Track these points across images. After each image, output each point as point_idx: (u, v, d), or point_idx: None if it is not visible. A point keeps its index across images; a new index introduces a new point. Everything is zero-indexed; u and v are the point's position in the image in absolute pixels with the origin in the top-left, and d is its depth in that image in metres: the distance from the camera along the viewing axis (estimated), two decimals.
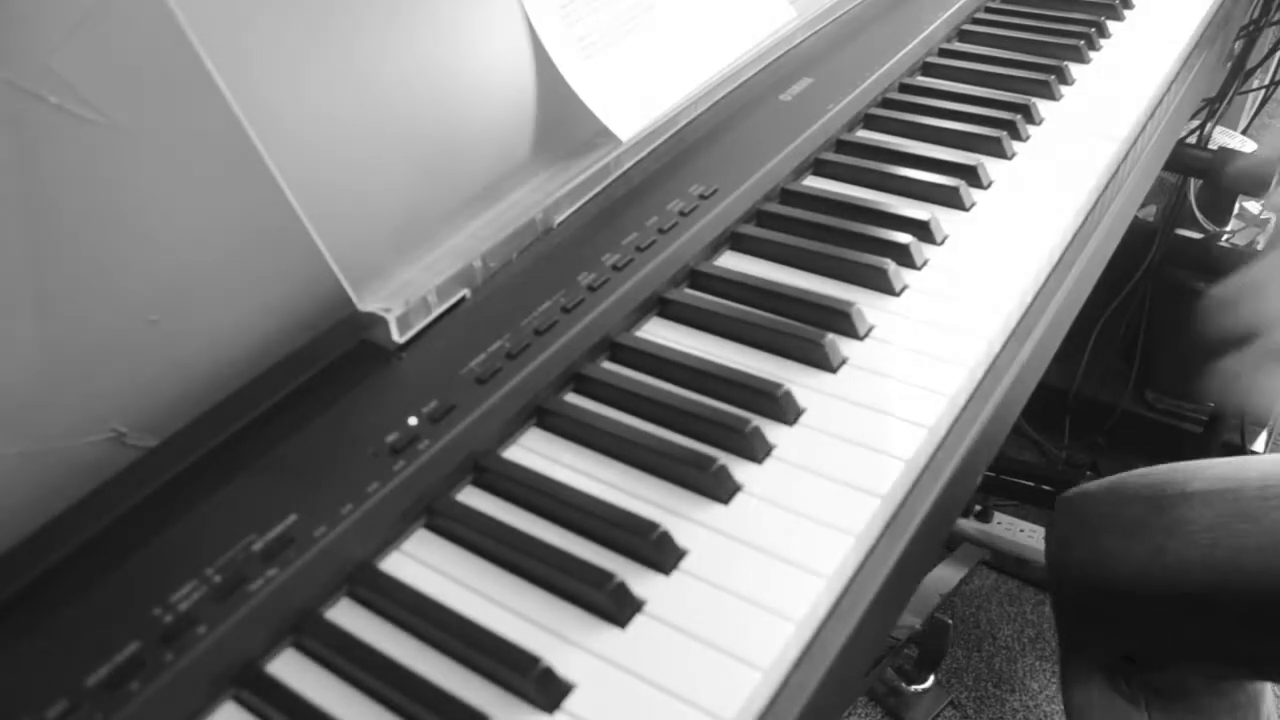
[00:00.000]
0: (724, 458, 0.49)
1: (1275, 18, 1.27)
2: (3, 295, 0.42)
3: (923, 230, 0.65)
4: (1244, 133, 1.63)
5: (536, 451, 0.51)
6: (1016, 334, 0.60)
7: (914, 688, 1.33)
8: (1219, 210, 1.46)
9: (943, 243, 0.65)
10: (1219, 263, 1.44)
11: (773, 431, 0.51)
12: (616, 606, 0.43)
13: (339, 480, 0.46)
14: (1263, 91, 1.54)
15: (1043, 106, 0.79)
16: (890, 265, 0.61)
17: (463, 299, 0.58)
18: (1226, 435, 1.48)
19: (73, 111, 0.42)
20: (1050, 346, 0.67)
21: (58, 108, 0.42)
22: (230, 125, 0.47)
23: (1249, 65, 1.32)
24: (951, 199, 0.68)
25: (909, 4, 0.92)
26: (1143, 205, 1.34)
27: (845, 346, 0.56)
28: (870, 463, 0.49)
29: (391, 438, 0.48)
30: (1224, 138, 1.47)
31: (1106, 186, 0.70)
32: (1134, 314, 1.49)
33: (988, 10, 0.95)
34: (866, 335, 0.58)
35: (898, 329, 0.58)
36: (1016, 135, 0.75)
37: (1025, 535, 1.45)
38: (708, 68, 0.76)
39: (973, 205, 0.68)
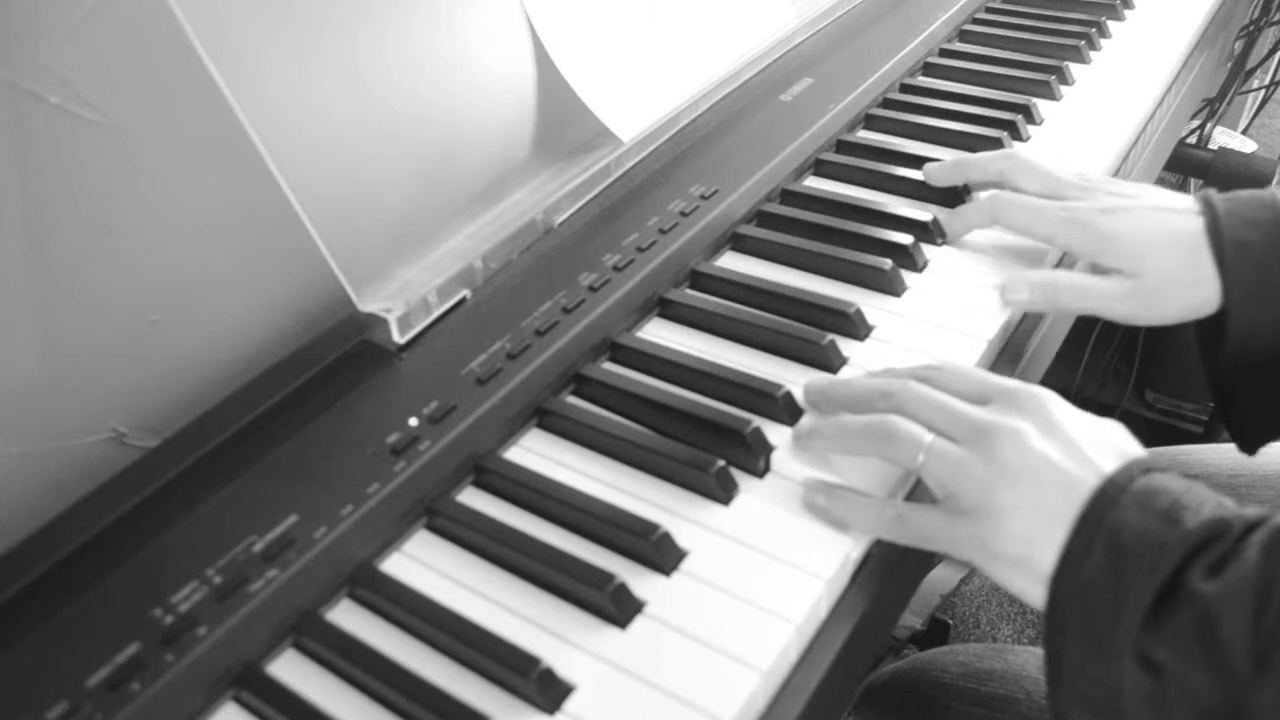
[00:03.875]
0: (725, 458, 0.49)
1: (1275, 18, 1.27)
2: (3, 295, 0.42)
3: (924, 231, 0.64)
4: (1244, 133, 1.63)
5: (537, 452, 0.51)
6: (1018, 335, 0.61)
7: None
8: None
9: (944, 243, 0.65)
10: None
11: (774, 432, 0.51)
12: (617, 607, 0.43)
13: (339, 481, 0.46)
14: (1263, 91, 1.54)
15: (1043, 107, 0.79)
16: (891, 266, 0.61)
17: (463, 299, 0.58)
18: (1226, 434, 1.47)
19: (73, 111, 0.42)
20: (1051, 347, 0.67)
21: (58, 108, 0.42)
22: (230, 125, 0.47)
23: (1249, 65, 1.32)
24: (953, 199, 0.68)
25: (909, 4, 0.92)
26: None
27: (846, 347, 0.56)
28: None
29: (392, 438, 0.48)
30: (1224, 138, 1.46)
31: None
32: None
33: (988, 10, 0.95)
34: (867, 336, 0.58)
35: (898, 329, 0.58)
36: (1017, 135, 0.75)
37: None
38: (708, 68, 0.76)
39: None
